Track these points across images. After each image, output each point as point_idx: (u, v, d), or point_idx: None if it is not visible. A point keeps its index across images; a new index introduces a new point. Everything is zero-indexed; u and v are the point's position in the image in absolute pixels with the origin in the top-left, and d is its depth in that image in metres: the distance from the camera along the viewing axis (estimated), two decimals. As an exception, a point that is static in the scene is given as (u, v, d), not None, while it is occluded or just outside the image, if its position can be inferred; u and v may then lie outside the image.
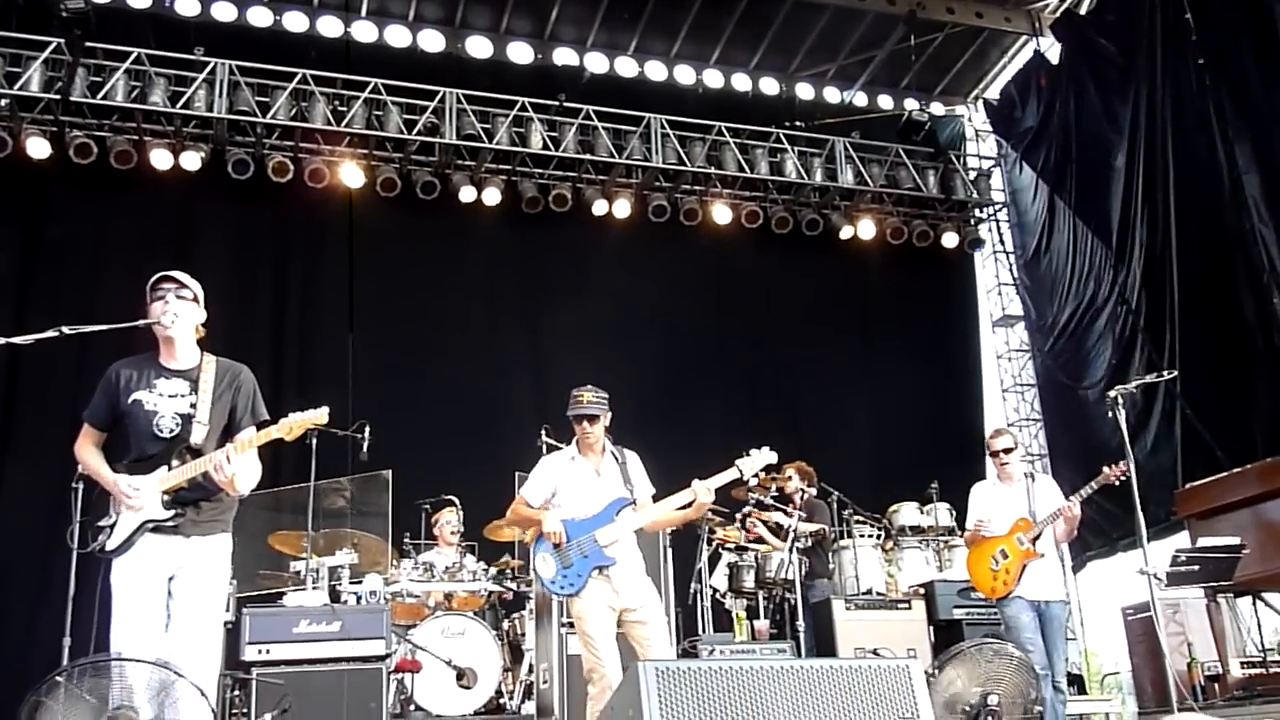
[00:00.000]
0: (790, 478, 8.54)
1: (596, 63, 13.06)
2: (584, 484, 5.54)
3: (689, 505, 5.49)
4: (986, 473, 7.36)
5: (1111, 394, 5.91)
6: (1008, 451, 6.71)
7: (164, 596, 4.27)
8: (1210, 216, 10.40)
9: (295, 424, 4.38)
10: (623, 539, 5.44)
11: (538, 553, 5.48)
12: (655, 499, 5.58)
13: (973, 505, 6.83)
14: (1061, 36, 12.81)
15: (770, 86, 13.67)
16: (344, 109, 11.12)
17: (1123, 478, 6.16)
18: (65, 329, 4.28)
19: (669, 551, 7.19)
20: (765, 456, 5.63)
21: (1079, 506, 6.33)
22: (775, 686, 3.17)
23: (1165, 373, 6.63)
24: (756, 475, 5.80)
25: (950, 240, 13.14)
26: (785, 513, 8.32)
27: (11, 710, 3.94)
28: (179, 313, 4.34)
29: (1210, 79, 10.32)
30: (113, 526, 4.27)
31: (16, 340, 4.29)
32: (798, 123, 12.90)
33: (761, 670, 3.20)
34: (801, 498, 8.45)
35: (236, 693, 6.16)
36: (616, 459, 5.62)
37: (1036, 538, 6.37)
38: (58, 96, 10.23)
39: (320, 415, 4.44)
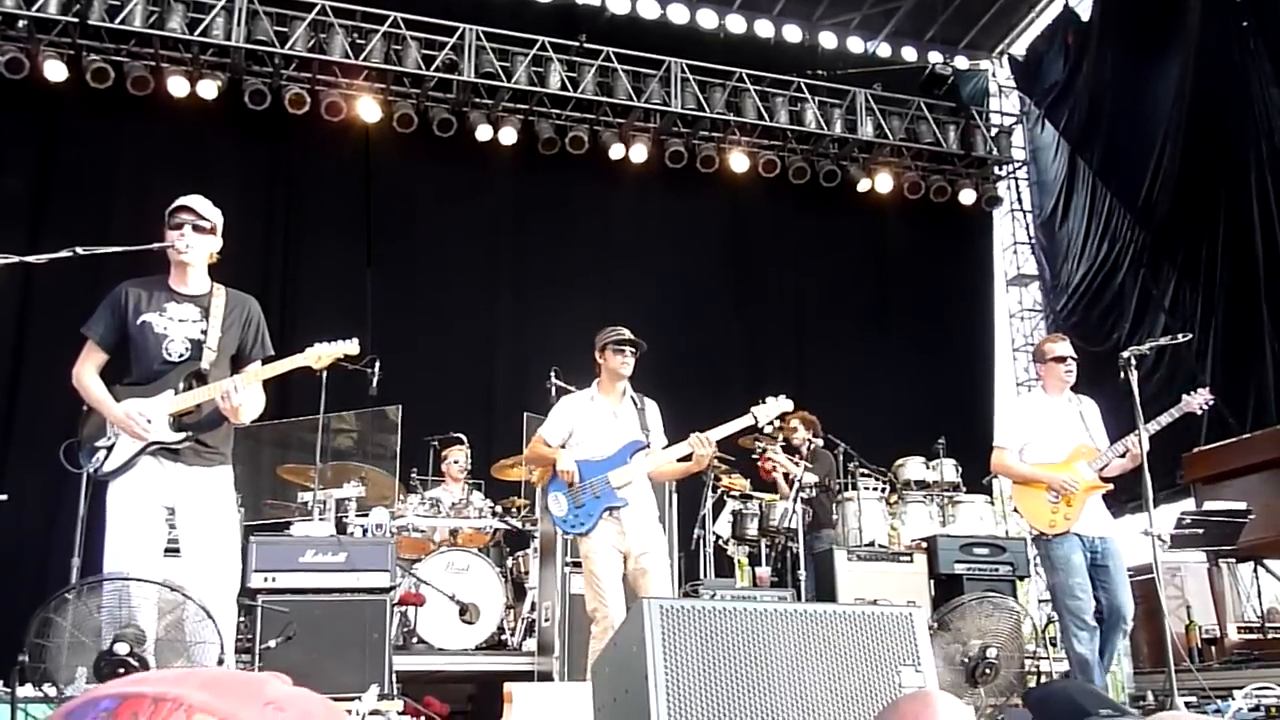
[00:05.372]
0: (796, 428, 8.54)
1: (619, 3, 12.88)
2: (601, 425, 5.57)
3: (689, 458, 5.51)
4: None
5: (1125, 355, 5.67)
6: (1074, 360, 5.96)
7: (161, 522, 4.26)
8: (1239, 178, 10.27)
9: (325, 354, 4.43)
10: (635, 482, 5.47)
11: (551, 491, 5.53)
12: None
13: (1015, 420, 6.10)
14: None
15: (793, 34, 13.47)
16: (362, 42, 11.00)
17: (1207, 406, 5.80)
18: (80, 249, 4.25)
19: (674, 497, 7.22)
20: (781, 404, 5.63)
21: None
22: (779, 629, 3.18)
23: (1180, 335, 6.49)
24: (770, 423, 5.81)
25: (968, 197, 13.01)
26: (792, 462, 8.35)
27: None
28: (193, 244, 4.32)
29: (1253, 42, 10.15)
30: (110, 448, 4.21)
31: (31, 259, 4.28)
32: (819, 72, 12.72)
33: (766, 613, 3.21)
34: (808, 448, 8.46)
35: (242, 619, 6.23)
36: (635, 404, 5.65)
37: (1103, 467, 5.73)
38: (75, 20, 10.12)
39: (350, 346, 4.47)
